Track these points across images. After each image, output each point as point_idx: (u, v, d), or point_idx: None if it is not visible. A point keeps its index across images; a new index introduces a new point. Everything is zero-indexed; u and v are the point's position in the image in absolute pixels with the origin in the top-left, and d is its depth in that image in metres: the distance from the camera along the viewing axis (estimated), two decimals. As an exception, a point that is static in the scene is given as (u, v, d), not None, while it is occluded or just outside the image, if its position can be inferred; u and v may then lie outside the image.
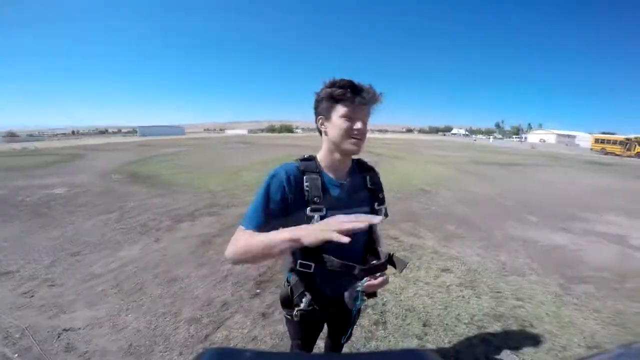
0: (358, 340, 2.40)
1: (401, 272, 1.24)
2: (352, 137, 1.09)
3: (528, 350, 2.32)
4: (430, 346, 2.38)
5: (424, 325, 2.61)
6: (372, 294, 1.27)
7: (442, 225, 5.26)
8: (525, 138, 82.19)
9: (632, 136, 30.90)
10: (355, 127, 1.08)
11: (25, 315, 2.66)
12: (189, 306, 2.82)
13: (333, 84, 1.09)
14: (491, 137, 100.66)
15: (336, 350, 1.64)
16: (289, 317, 1.24)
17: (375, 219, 0.88)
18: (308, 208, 1.07)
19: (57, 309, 2.75)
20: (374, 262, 1.18)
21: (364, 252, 1.26)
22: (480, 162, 16.24)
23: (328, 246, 1.12)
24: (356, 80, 1.10)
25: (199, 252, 4.00)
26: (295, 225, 1.01)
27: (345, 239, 0.79)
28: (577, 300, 3.06)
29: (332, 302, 1.20)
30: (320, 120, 1.15)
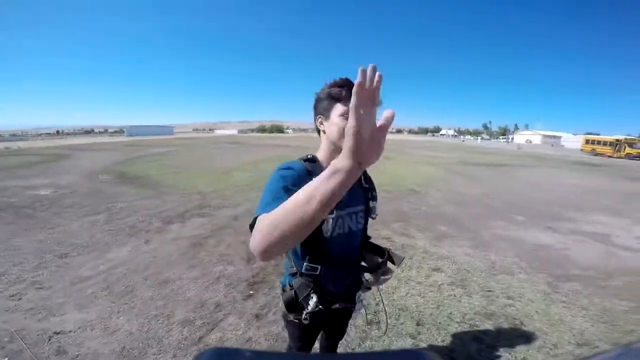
0: (353, 340, 2.41)
1: (398, 266, 1.30)
2: None
3: (520, 349, 2.37)
4: (423, 345, 2.41)
5: (417, 324, 2.64)
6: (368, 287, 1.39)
7: (433, 225, 5.32)
8: (512, 139, 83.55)
9: (621, 137, 31.30)
10: None
11: (14, 318, 2.60)
12: (181, 308, 2.79)
13: (330, 84, 1.11)
14: (479, 137, 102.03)
15: (332, 350, 1.65)
16: (296, 320, 1.22)
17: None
18: None
19: (47, 312, 2.69)
20: (380, 260, 1.26)
21: (360, 246, 1.31)
22: (469, 163, 16.46)
23: (330, 247, 1.15)
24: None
25: (190, 253, 3.96)
26: None
27: (390, 112, 0.57)
28: (565, 298, 3.13)
29: (338, 298, 1.24)
30: (320, 120, 1.16)
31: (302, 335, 1.36)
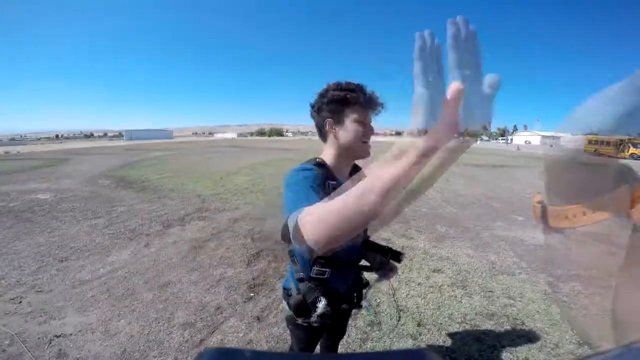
0: (354, 341, 2.41)
1: (400, 262, 1.32)
2: (364, 142, 1.10)
3: (522, 349, 2.37)
4: (425, 345, 2.41)
5: (418, 325, 2.64)
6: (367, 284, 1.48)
7: (432, 226, 5.32)
8: (511, 140, 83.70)
9: (625, 137, 31.30)
10: (367, 131, 1.09)
11: (14, 321, 2.60)
12: (182, 311, 2.79)
13: (341, 87, 1.08)
14: (477, 139, 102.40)
15: (333, 349, 1.66)
16: (305, 324, 1.22)
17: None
18: None
19: (47, 315, 2.69)
20: (383, 258, 1.29)
21: (360, 246, 1.33)
22: (468, 164, 16.47)
23: (338, 251, 1.17)
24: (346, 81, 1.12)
25: (190, 256, 3.96)
26: None
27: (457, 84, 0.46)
28: (566, 298, 3.12)
29: (345, 298, 1.26)
30: (329, 124, 1.11)
31: (308, 337, 1.36)
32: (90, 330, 2.50)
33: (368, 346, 2.38)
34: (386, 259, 1.30)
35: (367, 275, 1.49)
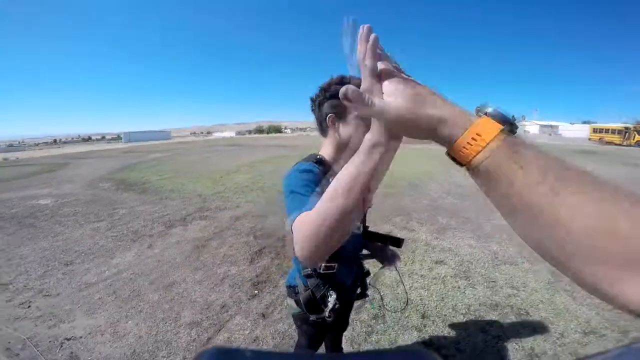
0: (359, 335, 2.44)
1: (400, 247, 1.34)
2: None
3: (527, 339, 2.39)
4: (429, 337, 2.43)
5: (423, 317, 2.66)
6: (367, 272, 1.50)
7: (434, 218, 5.34)
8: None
9: (630, 125, 30.45)
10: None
11: (24, 326, 2.64)
12: (188, 310, 2.82)
13: (345, 82, 1.04)
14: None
15: (337, 342, 1.68)
16: (318, 320, 1.21)
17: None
18: None
19: (56, 319, 2.72)
20: (384, 246, 1.32)
21: (361, 237, 1.35)
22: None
23: (345, 244, 1.18)
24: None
25: (193, 256, 3.98)
26: None
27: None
28: (570, 287, 3.14)
29: (352, 290, 1.28)
30: (331, 119, 1.09)
31: (317, 333, 1.37)
32: (100, 333, 2.53)
33: (373, 339, 2.40)
34: (386, 246, 1.33)
35: (369, 265, 1.51)
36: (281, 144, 28.21)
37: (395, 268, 1.46)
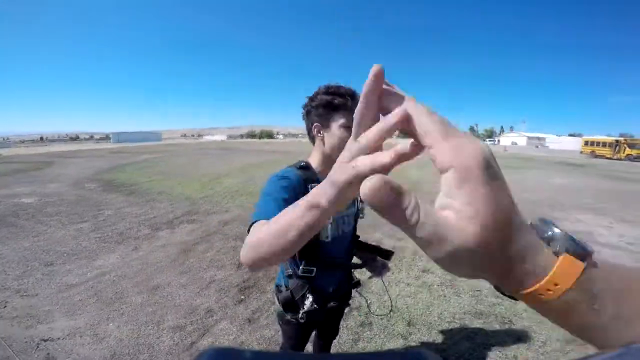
0: (345, 342, 2.43)
1: (389, 259, 1.35)
2: None
3: (510, 347, 2.41)
4: (415, 345, 2.43)
5: (409, 324, 2.67)
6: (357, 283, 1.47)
7: (422, 228, 5.37)
8: (498, 141, 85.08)
9: (620, 138, 30.35)
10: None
11: (-1, 326, 2.55)
12: (172, 314, 2.77)
13: (330, 91, 1.08)
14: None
15: (326, 349, 1.67)
16: (293, 320, 1.24)
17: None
18: None
19: (34, 320, 2.65)
20: (370, 256, 1.32)
21: (351, 246, 1.35)
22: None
23: (326, 250, 1.18)
24: (335, 84, 1.11)
25: (179, 260, 3.92)
26: None
27: (384, 158, 0.38)
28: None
29: (333, 296, 1.27)
30: (317, 128, 1.12)
31: (296, 334, 1.38)
32: (79, 334, 2.46)
33: (360, 346, 2.40)
34: (373, 256, 1.34)
35: (358, 274, 1.51)
36: (273, 150, 28.18)
37: (382, 280, 1.48)
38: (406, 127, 0.30)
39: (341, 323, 2.58)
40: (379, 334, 2.53)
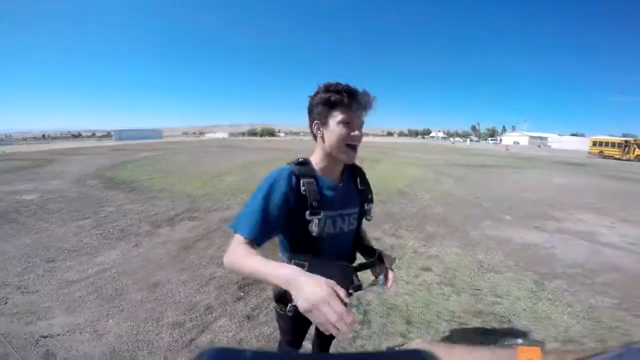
0: (344, 340, 2.43)
1: (391, 266, 1.32)
2: (349, 145, 1.10)
3: (507, 345, 2.41)
4: (413, 344, 2.43)
5: (407, 323, 2.67)
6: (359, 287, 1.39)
7: (422, 226, 5.38)
8: (500, 140, 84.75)
9: (630, 138, 29.23)
10: (352, 133, 1.09)
11: (-1, 322, 2.57)
12: (171, 311, 2.78)
13: (329, 89, 1.09)
14: (468, 139, 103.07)
15: (325, 348, 1.67)
16: (282, 312, 1.24)
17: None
18: (307, 212, 1.08)
19: (33, 316, 2.66)
20: (370, 260, 1.31)
21: (352, 248, 1.33)
22: (458, 165, 16.65)
23: (319, 246, 1.17)
24: (342, 83, 1.11)
25: (180, 257, 3.93)
26: (293, 227, 1.09)
27: (343, 326, 0.68)
28: (552, 295, 3.19)
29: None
30: (316, 126, 1.14)
31: (292, 329, 1.38)
32: (79, 331, 2.47)
33: (358, 344, 2.40)
34: (372, 261, 1.33)
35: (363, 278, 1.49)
36: (274, 147, 28.18)
37: (381, 284, 1.46)
38: None
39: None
40: (377, 332, 2.53)
